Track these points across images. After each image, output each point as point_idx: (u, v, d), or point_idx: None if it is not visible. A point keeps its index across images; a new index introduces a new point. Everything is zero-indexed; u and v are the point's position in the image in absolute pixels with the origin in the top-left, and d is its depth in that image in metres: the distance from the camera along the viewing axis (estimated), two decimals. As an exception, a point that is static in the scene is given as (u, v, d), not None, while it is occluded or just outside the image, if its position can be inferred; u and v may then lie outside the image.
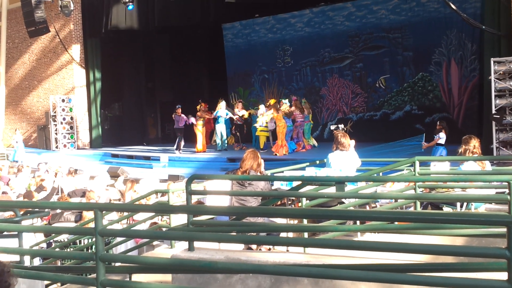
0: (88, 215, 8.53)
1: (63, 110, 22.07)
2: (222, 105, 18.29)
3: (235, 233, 5.28)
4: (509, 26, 12.81)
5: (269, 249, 5.97)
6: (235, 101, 20.37)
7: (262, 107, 17.80)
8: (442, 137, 12.48)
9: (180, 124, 18.77)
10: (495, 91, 12.34)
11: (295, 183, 6.60)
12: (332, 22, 20.41)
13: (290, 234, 6.09)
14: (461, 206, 6.90)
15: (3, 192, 12.50)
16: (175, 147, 18.97)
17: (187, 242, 5.24)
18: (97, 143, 22.59)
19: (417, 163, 7.05)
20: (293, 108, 16.81)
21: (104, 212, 5.41)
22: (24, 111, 25.00)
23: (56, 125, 22.10)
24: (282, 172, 8.59)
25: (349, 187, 6.58)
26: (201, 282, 4.97)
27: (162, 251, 7.01)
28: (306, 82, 21.39)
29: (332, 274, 3.80)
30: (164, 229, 7.62)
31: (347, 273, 3.67)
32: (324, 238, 5.60)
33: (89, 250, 7.60)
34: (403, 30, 18.61)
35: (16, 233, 5.34)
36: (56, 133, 22.16)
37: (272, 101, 17.22)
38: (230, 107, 19.36)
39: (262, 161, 6.62)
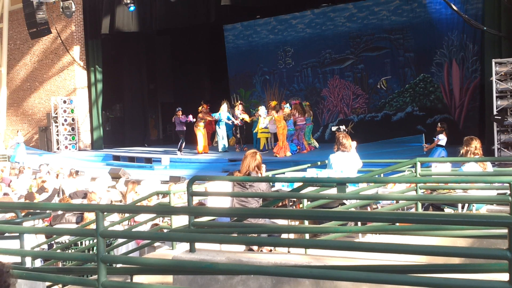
0: (90, 216, 8.54)
1: (65, 111, 22.09)
2: (223, 108, 18.29)
3: (236, 234, 5.28)
4: (510, 27, 12.81)
5: (270, 250, 5.96)
6: (236, 102, 20.37)
7: (262, 109, 17.80)
8: (442, 139, 12.48)
9: (181, 126, 18.77)
10: (496, 92, 12.34)
11: (296, 184, 6.60)
12: (333, 23, 20.41)
13: (292, 235, 6.09)
14: (462, 207, 6.90)
15: (5, 194, 12.52)
16: (177, 148, 18.98)
17: (188, 244, 5.24)
18: (99, 144, 22.61)
19: (418, 164, 7.06)
20: (292, 111, 16.78)
21: (105, 213, 5.42)
22: (26, 112, 25.03)
23: (57, 126, 22.11)
24: (283, 173, 8.60)
25: (350, 188, 6.58)
26: (203, 284, 4.98)
27: (164, 252, 7.01)
28: (307, 83, 21.39)
29: (333, 275, 3.80)
30: (165, 230, 7.62)
31: (348, 274, 3.67)
32: (325, 240, 5.60)
33: (91, 252, 7.61)
34: (404, 31, 18.61)
35: (18, 234, 5.35)
36: (57, 135, 22.17)
37: (273, 103, 17.22)
38: (231, 108, 19.35)
39: (264, 166, 6.62)
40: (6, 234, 5.89)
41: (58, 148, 22.09)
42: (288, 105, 17.25)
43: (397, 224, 5.47)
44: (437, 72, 17.97)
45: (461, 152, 7.39)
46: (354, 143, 7.75)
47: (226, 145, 18.69)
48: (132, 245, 7.95)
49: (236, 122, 18.48)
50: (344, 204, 6.54)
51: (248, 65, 23.03)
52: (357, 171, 7.81)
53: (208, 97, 23.20)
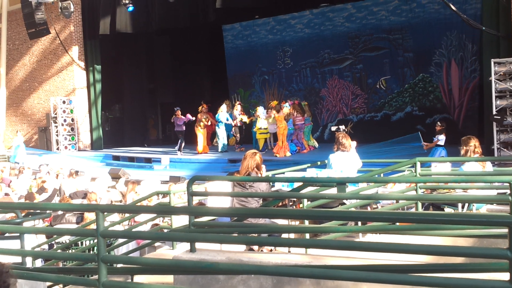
0: (90, 216, 8.55)
1: (64, 111, 22.07)
2: (223, 108, 18.28)
3: (236, 234, 5.29)
4: (509, 27, 12.82)
5: (271, 250, 5.97)
6: (234, 102, 20.37)
7: (260, 109, 17.80)
8: (441, 139, 12.50)
9: (181, 126, 18.77)
10: (495, 92, 12.35)
11: (296, 184, 6.61)
12: (332, 23, 20.42)
13: (292, 235, 6.10)
14: (463, 207, 6.91)
15: (6, 194, 12.52)
16: (177, 148, 18.98)
17: (189, 243, 5.25)
18: (98, 144, 22.60)
19: (418, 164, 7.07)
20: (291, 110, 16.79)
21: (105, 213, 5.43)
22: (25, 112, 25.01)
23: (57, 126, 22.09)
24: (283, 173, 8.60)
25: (350, 188, 6.59)
26: (203, 283, 4.98)
27: (164, 252, 7.02)
28: (306, 83, 21.40)
29: (333, 275, 3.81)
30: (165, 230, 7.63)
31: (348, 274, 3.68)
32: (325, 239, 5.61)
33: (91, 252, 7.61)
34: (403, 31, 18.62)
35: (18, 234, 5.35)
36: (57, 135, 22.16)
37: (274, 103, 17.23)
38: (232, 108, 19.34)
39: (264, 166, 6.62)
40: (7, 234, 5.89)
41: (57, 148, 22.08)
42: (287, 104, 17.24)
43: (397, 223, 5.48)
44: (436, 72, 17.98)
45: (462, 152, 7.41)
46: (354, 143, 7.76)
47: (226, 145, 18.69)
48: (132, 245, 7.96)
49: (233, 123, 18.46)
50: (344, 204, 6.55)
51: (247, 65, 23.03)
52: (357, 171, 7.82)
53: (208, 97, 23.20)
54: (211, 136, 20.36)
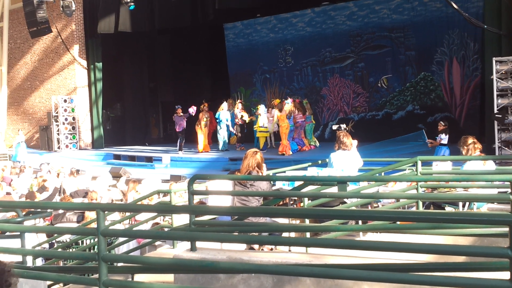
0: (90, 215, 8.55)
1: (65, 110, 22.09)
2: (224, 107, 18.27)
3: (237, 233, 5.28)
4: (511, 26, 12.80)
5: (271, 249, 5.97)
6: (236, 101, 20.35)
7: (262, 107, 17.80)
8: (444, 138, 12.48)
9: (181, 125, 18.76)
10: (497, 91, 12.32)
11: (297, 183, 6.60)
12: (333, 21, 20.40)
13: (292, 234, 6.09)
14: (463, 206, 6.90)
15: (7, 193, 12.52)
16: (178, 148, 18.98)
17: (189, 242, 5.24)
18: (99, 143, 22.61)
19: (419, 163, 7.05)
20: (292, 108, 16.78)
21: (106, 212, 5.42)
22: (26, 111, 25.03)
23: (58, 125, 22.11)
24: (284, 172, 8.60)
25: (351, 187, 6.58)
26: (203, 282, 4.98)
27: (164, 251, 7.02)
28: (307, 82, 21.39)
29: (334, 274, 3.80)
30: (166, 229, 7.63)
31: (349, 273, 3.67)
32: (326, 238, 5.60)
33: (92, 251, 7.62)
34: (405, 30, 18.60)
35: (19, 233, 5.35)
36: (58, 134, 22.16)
37: (276, 101, 17.21)
38: (232, 106, 19.33)
39: (265, 165, 6.62)
40: (7, 233, 5.89)
41: (58, 147, 22.09)
42: (289, 100, 17.19)
43: (398, 222, 5.47)
44: (437, 71, 17.96)
45: (463, 153, 7.42)
46: (355, 142, 7.74)
47: (227, 144, 18.69)
48: (133, 244, 7.96)
49: (235, 120, 18.44)
50: (345, 202, 6.54)
51: (249, 64, 23.02)
52: (358, 169, 7.81)
53: (209, 96, 23.18)
54: (214, 135, 20.34)
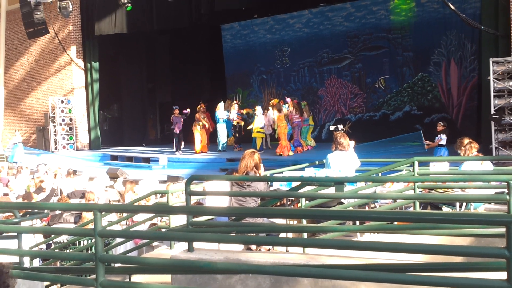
0: (88, 216, 8.53)
1: (62, 111, 22.05)
2: (220, 106, 18.28)
3: (234, 234, 5.28)
4: (508, 27, 12.83)
5: (269, 249, 5.96)
6: (232, 102, 20.36)
7: (259, 108, 17.78)
8: (443, 138, 12.49)
9: (179, 125, 18.75)
10: (494, 91, 12.35)
11: (294, 184, 6.60)
12: (331, 22, 20.42)
13: (290, 235, 6.09)
14: (460, 206, 6.91)
15: (4, 194, 12.50)
16: (174, 149, 18.96)
17: (187, 243, 5.24)
18: (96, 144, 22.57)
19: (416, 164, 7.06)
20: (290, 108, 16.78)
21: (103, 213, 5.41)
22: (23, 112, 24.98)
23: (55, 126, 22.07)
24: (281, 172, 8.59)
25: (348, 188, 6.58)
26: (201, 283, 4.97)
27: (162, 252, 7.01)
28: (304, 82, 21.41)
29: (331, 274, 3.80)
30: (163, 230, 7.62)
31: (346, 273, 3.67)
32: (323, 239, 5.60)
33: (89, 251, 7.61)
34: (402, 31, 18.63)
35: (16, 234, 5.34)
36: (55, 134, 22.13)
37: (275, 101, 17.21)
38: (229, 106, 19.33)
39: (262, 165, 6.61)
40: (4, 234, 5.88)
41: (56, 148, 22.05)
42: (288, 100, 17.18)
43: (395, 223, 5.47)
44: (435, 72, 17.99)
45: (461, 154, 7.43)
46: (352, 143, 7.74)
47: (225, 144, 18.69)
48: (130, 244, 7.94)
49: (231, 117, 18.46)
50: (342, 203, 6.54)
51: (246, 65, 23.04)
52: (355, 170, 7.81)
53: (207, 96, 23.18)
54: (212, 135, 20.32)
